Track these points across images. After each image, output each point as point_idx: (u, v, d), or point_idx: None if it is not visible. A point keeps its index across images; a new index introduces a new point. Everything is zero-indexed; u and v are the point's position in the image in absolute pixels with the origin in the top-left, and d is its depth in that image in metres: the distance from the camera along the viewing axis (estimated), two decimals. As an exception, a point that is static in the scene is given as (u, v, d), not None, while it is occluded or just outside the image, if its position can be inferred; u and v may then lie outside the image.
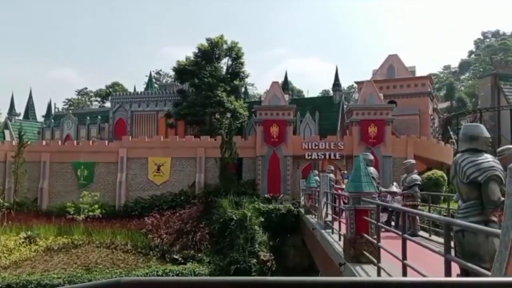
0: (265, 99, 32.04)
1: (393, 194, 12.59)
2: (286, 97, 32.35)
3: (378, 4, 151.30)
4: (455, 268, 4.40)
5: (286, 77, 45.40)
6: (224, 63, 37.08)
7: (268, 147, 29.59)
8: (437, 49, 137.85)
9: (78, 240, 24.77)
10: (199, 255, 23.34)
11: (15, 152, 29.50)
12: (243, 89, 42.75)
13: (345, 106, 36.16)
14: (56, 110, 48.82)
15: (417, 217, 11.50)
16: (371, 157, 12.27)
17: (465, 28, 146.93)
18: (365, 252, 7.92)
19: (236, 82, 36.07)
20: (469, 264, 3.89)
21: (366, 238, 7.98)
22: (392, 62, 41.27)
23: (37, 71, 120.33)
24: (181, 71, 35.61)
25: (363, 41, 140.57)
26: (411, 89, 38.04)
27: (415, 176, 12.10)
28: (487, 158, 4.71)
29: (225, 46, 35.85)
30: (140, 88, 51.20)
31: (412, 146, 28.87)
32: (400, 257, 5.73)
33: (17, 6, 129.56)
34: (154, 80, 53.00)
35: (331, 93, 41.25)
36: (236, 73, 36.32)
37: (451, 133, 38.96)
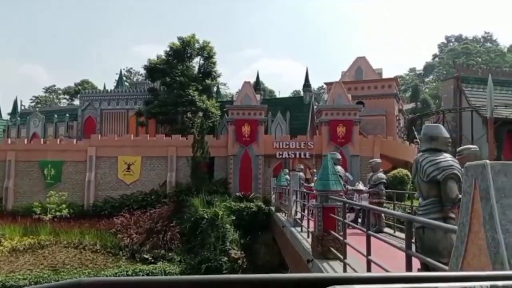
0: (237, 98, 32.24)
1: (360, 192, 13.01)
2: (258, 97, 32.64)
3: (347, 7, 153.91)
4: (417, 263, 4.57)
5: (258, 78, 45.69)
6: (196, 62, 37.10)
7: (239, 146, 29.80)
8: (403, 52, 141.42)
9: (45, 241, 24.29)
10: (170, 254, 23.32)
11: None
12: (215, 89, 42.77)
13: (315, 107, 36.75)
14: (23, 107, 47.52)
15: (383, 214, 11.76)
16: (339, 156, 12.61)
17: (430, 33, 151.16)
18: (332, 249, 8.07)
19: (208, 82, 36.07)
20: (428, 259, 4.05)
21: (333, 235, 8.12)
22: (360, 64, 42.14)
23: (3, 68, 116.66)
24: (152, 70, 35.35)
25: (333, 43, 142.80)
26: (378, 91, 38.95)
27: (381, 174, 12.56)
28: (446, 158, 4.89)
29: (197, 46, 35.82)
30: (110, 86, 50.44)
31: (378, 145, 29.69)
32: (365, 253, 5.87)
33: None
34: (124, 78, 52.40)
35: (302, 93, 41.82)
36: (208, 72, 36.34)
37: (415, 133, 40.11)
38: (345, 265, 6.96)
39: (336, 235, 7.99)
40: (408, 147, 31.83)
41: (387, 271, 4.76)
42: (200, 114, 33.84)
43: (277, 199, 21.25)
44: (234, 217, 24.54)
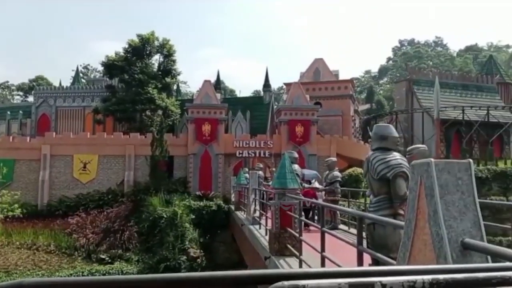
0: (197, 97, 32.10)
1: (316, 190, 13.34)
2: (218, 96, 32.64)
3: (306, 10, 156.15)
4: (369, 258, 4.71)
5: (218, 77, 45.59)
6: (156, 60, 36.61)
7: (200, 145, 29.71)
8: (359, 55, 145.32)
9: (-3, 242, 23.39)
10: (127, 254, 22.98)
11: None
12: (175, 87, 42.36)
13: (275, 106, 37.20)
14: (-27, 104, 45.22)
15: (338, 212, 12.02)
16: (296, 155, 12.84)
17: (385, 37, 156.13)
18: (288, 246, 8.15)
19: (168, 80, 35.63)
20: (378, 254, 4.13)
21: (289, 232, 8.22)
22: (318, 65, 42.96)
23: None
24: (110, 67, 34.53)
25: (293, 44, 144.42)
26: (334, 92, 39.85)
27: (336, 173, 12.93)
28: (395, 156, 5.03)
29: (156, 43, 35.37)
30: (67, 82, 48.95)
31: (335, 145, 30.46)
32: (320, 249, 6.00)
33: None
34: (81, 75, 50.90)
35: (262, 93, 42.14)
36: (168, 70, 35.91)
37: (370, 133, 41.37)
38: (300, 261, 7.05)
39: (293, 232, 8.05)
40: (363, 147, 32.80)
41: (339, 266, 4.80)
42: (160, 112, 33.44)
43: (236, 198, 21.39)
44: (193, 216, 24.46)
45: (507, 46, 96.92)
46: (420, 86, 41.11)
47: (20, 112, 39.00)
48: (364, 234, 5.04)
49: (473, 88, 44.01)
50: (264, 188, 14.44)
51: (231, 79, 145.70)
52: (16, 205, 25.67)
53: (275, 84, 72.91)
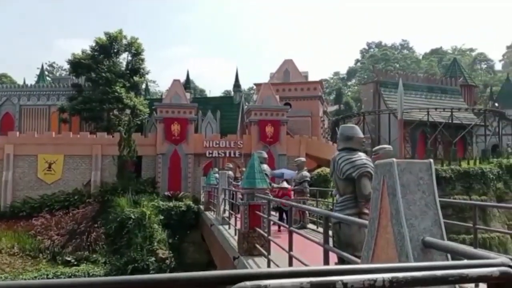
0: (166, 97, 31.78)
1: (284, 190, 13.41)
2: (188, 95, 32.42)
3: (276, 11, 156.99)
4: (335, 256, 4.71)
5: (188, 76, 45.32)
6: (124, 59, 36.06)
7: (169, 145, 29.42)
8: (328, 57, 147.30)
9: (-43, 244, 22.53)
10: (94, 256, 22.65)
11: None
12: (144, 86, 41.81)
13: (245, 107, 37.23)
14: None
15: (307, 211, 12.11)
16: (265, 155, 12.85)
17: (354, 39, 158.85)
18: (257, 245, 8.19)
19: (136, 79, 35.15)
20: (343, 253, 4.15)
21: (258, 232, 8.24)
22: (288, 66, 43.21)
23: None
24: (77, 65, 33.76)
25: (264, 45, 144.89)
26: (304, 93, 40.19)
27: (305, 173, 13.03)
28: (361, 156, 5.07)
29: (124, 41, 34.84)
30: (31, 81, 47.49)
31: (304, 145, 30.78)
32: (288, 249, 5.99)
33: None
34: (47, 73, 49.53)
35: (233, 93, 42.09)
36: (136, 69, 35.42)
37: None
38: (269, 261, 7.05)
39: (261, 232, 8.06)
40: (332, 147, 33.18)
41: (306, 265, 4.71)
42: (128, 111, 32.90)
43: (206, 198, 21.30)
44: (162, 217, 24.23)
45: (471, 50, 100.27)
46: (387, 88, 41.93)
47: (-18, 110, 37.60)
48: (330, 233, 5.08)
49: (437, 90, 45.26)
50: (233, 188, 14.41)
51: (201, 78, 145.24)
52: (-23, 207, 24.80)
53: (245, 85, 72.99)
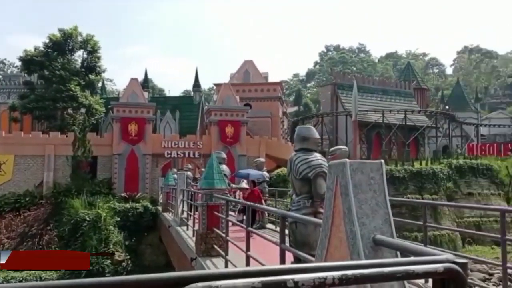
0: (123, 95, 31.12)
1: (244, 190, 13.45)
2: (146, 94, 31.91)
3: (237, 12, 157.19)
4: (292, 256, 4.68)
5: (146, 75, 44.61)
6: (79, 56, 35.07)
7: (126, 145, 28.82)
8: (288, 58, 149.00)
9: None
10: (47, 259, 21.82)
11: None
12: (100, 84, 40.74)
13: (205, 107, 37.02)
14: None
15: (266, 211, 12.25)
16: (224, 155, 12.85)
17: (313, 41, 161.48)
18: (215, 246, 8.14)
19: (91, 77, 34.23)
20: (299, 252, 4.17)
21: (216, 232, 8.20)
22: (248, 67, 43.35)
23: None
24: (29, 62, 32.44)
25: (224, 45, 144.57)
26: (264, 94, 40.44)
27: (264, 173, 13.17)
28: (316, 157, 5.14)
29: (79, 39, 33.86)
30: (-21, 77, 45.28)
31: (264, 146, 30.96)
32: (245, 249, 5.99)
33: None
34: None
35: (192, 93, 41.76)
36: (91, 67, 34.51)
37: (298, 135, 42.42)
38: (226, 261, 7.06)
39: (219, 232, 8.07)
40: (291, 148, 33.48)
41: (263, 265, 4.72)
42: (83, 110, 31.97)
43: (164, 199, 21.04)
44: (118, 219, 23.73)
45: (424, 54, 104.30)
46: (344, 90, 42.84)
47: None
48: (287, 232, 5.12)
49: (392, 93, 46.73)
50: (192, 189, 14.30)
51: (161, 78, 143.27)
52: None
53: (205, 85, 72.61)
